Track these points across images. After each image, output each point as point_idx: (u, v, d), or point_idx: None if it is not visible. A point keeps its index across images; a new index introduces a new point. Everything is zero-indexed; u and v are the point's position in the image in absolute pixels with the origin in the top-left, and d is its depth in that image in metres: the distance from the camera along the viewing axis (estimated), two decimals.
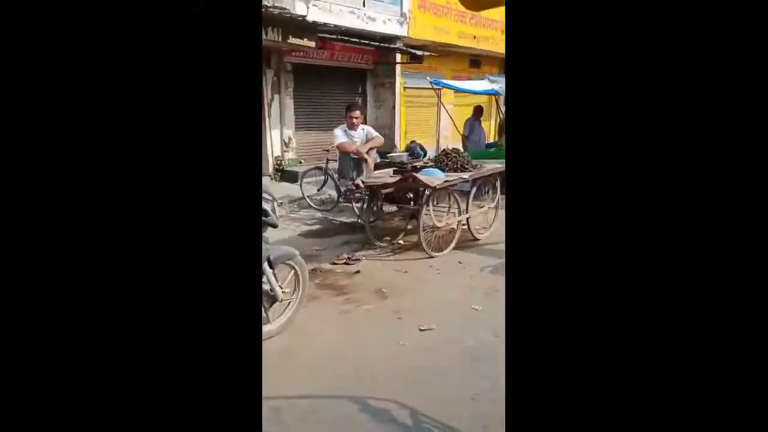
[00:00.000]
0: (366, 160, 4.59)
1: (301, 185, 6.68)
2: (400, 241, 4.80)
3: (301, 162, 8.43)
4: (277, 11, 6.46)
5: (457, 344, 2.75)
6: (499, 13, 11.60)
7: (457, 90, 7.45)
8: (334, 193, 6.44)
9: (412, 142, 10.66)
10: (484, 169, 4.76)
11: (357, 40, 8.15)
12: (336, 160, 5.88)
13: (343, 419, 2.11)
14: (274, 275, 2.72)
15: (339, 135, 4.95)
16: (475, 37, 11.02)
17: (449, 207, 4.77)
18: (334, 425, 2.08)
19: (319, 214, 6.25)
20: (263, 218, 2.47)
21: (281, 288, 2.78)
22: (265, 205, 2.48)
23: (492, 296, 3.47)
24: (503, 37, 12.28)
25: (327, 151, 6.73)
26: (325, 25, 7.37)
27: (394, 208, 4.70)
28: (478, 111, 7.55)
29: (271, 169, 8.02)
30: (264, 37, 6.40)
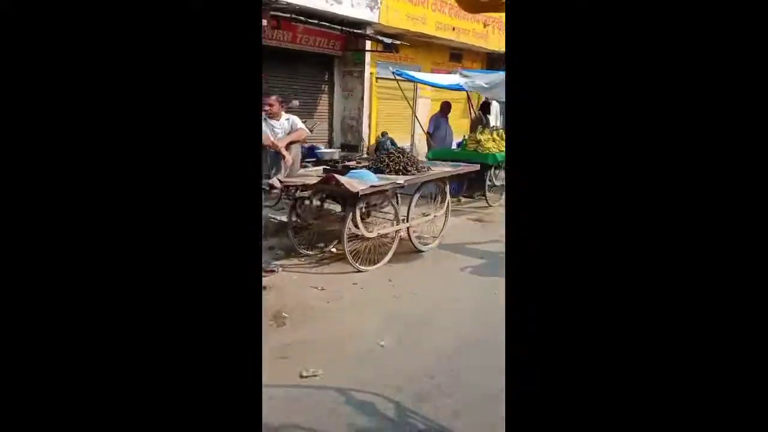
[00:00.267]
0: (284, 156, 3.96)
1: None
2: (333, 250, 4.18)
3: None
4: None
5: (336, 402, 2.13)
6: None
7: (420, 82, 6.83)
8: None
9: (382, 134, 10.05)
10: (429, 173, 4.14)
11: (317, 21, 7.44)
12: None
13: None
14: None
15: None
16: (454, 28, 10.36)
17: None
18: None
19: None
20: None
21: None
22: None
23: (411, 330, 2.87)
24: (485, 30, 11.68)
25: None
26: (278, 1, 6.66)
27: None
28: (445, 107, 6.93)
29: None
30: None
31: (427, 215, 4.33)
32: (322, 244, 4.23)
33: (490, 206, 6.36)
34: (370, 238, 3.67)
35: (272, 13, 6.51)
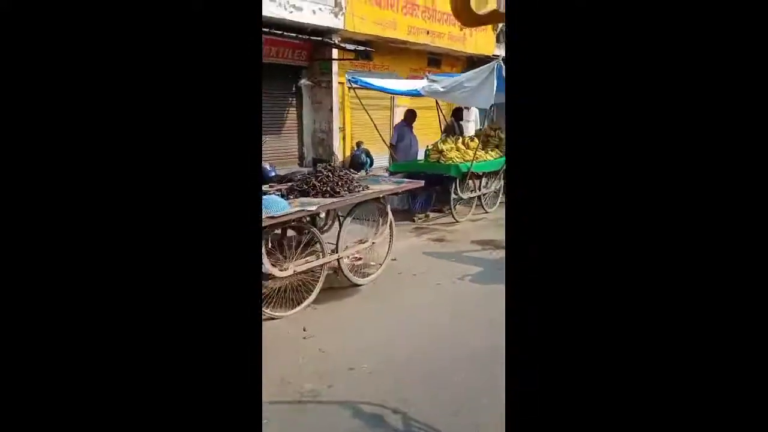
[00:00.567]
0: None
1: None
2: None
3: None
4: None
5: None
6: None
7: (376, 89, 6.26)
8: None
9: (357, 145, 9.44)
10: (362, 193, 3.54)
11: (278, 31, 6.90)
12: None
13: None
14: None
15: None
16: (428, 32, 9.80)
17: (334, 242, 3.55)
18: None
19: None
20: None
21: None
22: None
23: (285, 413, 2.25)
24: (461, 33, 11.10)
25: None
26: None
27: None
28: (410, 115, 6.33)
29: None
30: None
31: (365, 242, 3.72)
32: None
33: (458, 222, 5.74)
34: (277, 277, 3.05)
35: None
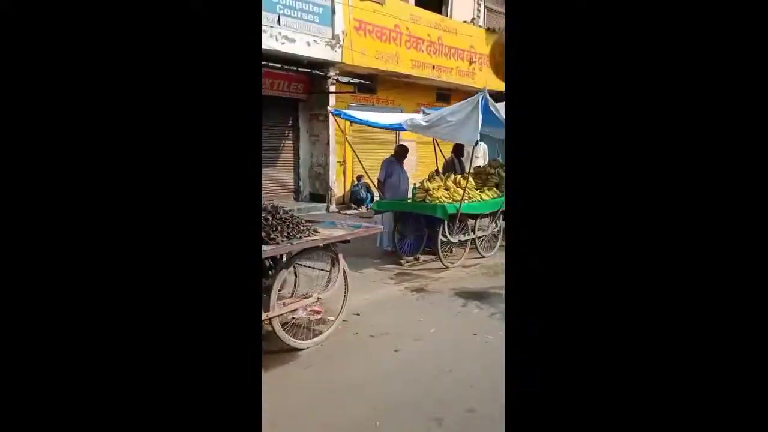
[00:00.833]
0: None
1: None
2: None
3: None
4: None
5: None
6: (465, 42, 10.01)
7: (360, 123, 5.77)
8: None
9: (357, 178, 8.94)
10: (301, 241, 2.94)
11: (273, 64, 6.58)
12: None
13: None
14: None
15: None
16: (434, 67, 9.40)
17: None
18: None
19: None
20: None
21: None
22: None
23: None
24: (470, 68, 10.68)
25: None
26: None
27: None
28: (400, 151, 5.78)
29: None
30: None
31: (309, 297, 3.10)
32: None
33: (447, 268, 5.06)
34: None
35: None
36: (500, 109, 4.92)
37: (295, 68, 7.11)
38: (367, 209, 5.91)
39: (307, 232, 3.03)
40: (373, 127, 6.11)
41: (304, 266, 3.30)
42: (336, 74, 7.86)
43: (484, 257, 5.56)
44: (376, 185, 5.87)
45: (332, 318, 3.35)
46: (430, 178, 5.08)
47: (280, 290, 2.93)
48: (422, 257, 5.42)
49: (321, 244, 3.02)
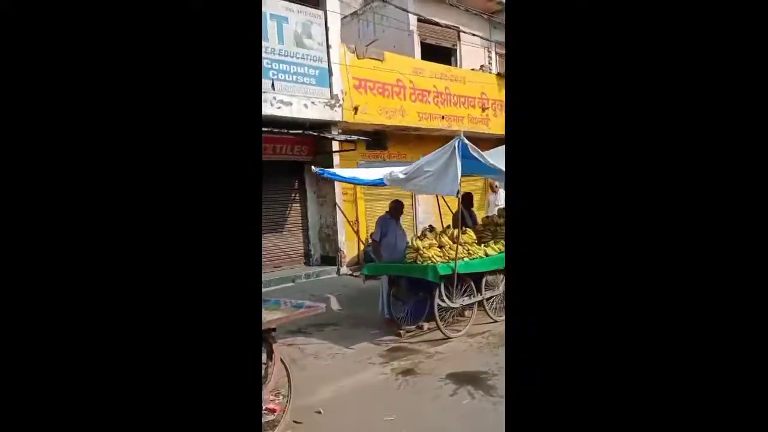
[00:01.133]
0: None
1: None
2: None
3: None
4: None
5: None
6: (475, 89, 9.64)
7: (342, 180, 5.34)
8: None
9: (371, 237, 8.44)
10: None
11: (275, 129, 6.42)
12: None
13: None
14: None
15: None
16: (443, 117, 9.02)
17: None
18: None
19: None
20: None
21: None
22: None
23: None
24: (484, 114, 10.22)
25: None
26: None
27: None
28: (396, 207, 5.26)
29: None
30: None
31: None
32: None
33: (448, 339, 4.33)
34: None
35: None
36: (490, 153, 4.39)
37: (301, 131, 6.92)
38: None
39: None
40: (357, 184, 5.68)
41: None
42: (339, 133, 7.62)
43: (496, 321, 4.79)
44: (372, 246, 5.33)
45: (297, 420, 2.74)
46: (422, 235, 4.49)
47: None
48: (426, 325, 4.73)
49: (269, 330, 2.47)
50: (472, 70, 10.01)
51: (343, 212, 5.76)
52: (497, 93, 9.91)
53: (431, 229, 4.71)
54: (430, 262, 4.26)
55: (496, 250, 4.92)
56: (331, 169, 5.18)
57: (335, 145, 7.75)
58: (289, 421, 2.70)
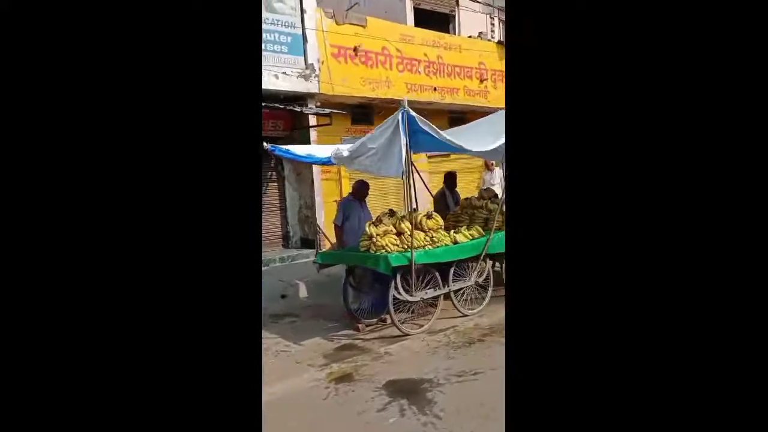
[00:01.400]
0: None
1: None
2: None
3: None
4: None
5: None
6: (472, 59, 8.90)
7: (292, 158, 4.82)
8: None
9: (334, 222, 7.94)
10: None
11: None
12: None
13: None
14: None
15: None
16: (435, 89, 8.35)
17: None
18: None
19: None
20: None
21: None
22: None
23: None
24: (482, 86, 9.47)
25: None
26: None
27: None
28: (359, 188, 4.73)
29: None
30: None
31: None
32: None
33: (406, 336, 3.86)
34: None
35: None
36: (479, 123, 3.80)
37: (276, 105, 6.40)
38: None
39: None
40: (311, 163, 5.16)
41: None
42: (317, 106, 7.06)
43: (466, 315, 4.28)
44: (334, 231, 4.84)
45: None
46: (377, 221, 3.96)
47: None
48: (390, 318, 4.26)
49: None
50: (470, 37, 9.23)
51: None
52: (497, 63, 9.15)
53: (391, 213, 4.18)
54: (383, 251, 3.75)
55: (467, 236, 4.37)
56: (287, 146, 4.66)
57: (312, 120, 7.20)
58: None
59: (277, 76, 6.51)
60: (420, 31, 8.31)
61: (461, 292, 4.35)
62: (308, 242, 7.63)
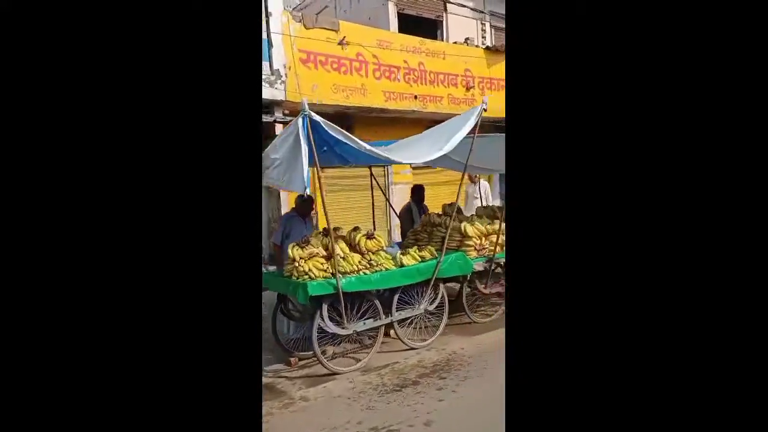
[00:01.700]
0: None
1: None
2: None
3: None
4: None
5: None
6: (457, 66, 8.41)
7: None
8: None
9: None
10: None
11: None
12: None
13: None
14: None
15: None
16: (416, 97, 7.87)
17: None
18: None
19: None
20: None
21: None
22: None
23: None
24: (468, 94, 8.92)
25: None
26: None
27: None
28: (302, 203, 4.25)
29: None
30: None
31: None
32: None
33: (333, 375, 3.33)
34: None
35: None
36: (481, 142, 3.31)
37: None
38: None
39: None
40: None
41: None
42: (284, 114, 6.64)
43: (412, 349, 3.74)
44: (274, 250, 4.36)
45: None
46: (303, 242, 3.46)
47: None
48: (332, 349, 3.74)
49: None
50: (454, 43, 8.76)
51: None
52: (485, 69, 8.65)
53: (325, 232, 3.68)
54: (306, 277, 3.25)
55: (417, 258, 3.84)
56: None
57: (279, 129, 6.77)
58: None
59: None
60: (400, 36, 7.87)
61: (407, 322, 3.82)
62: (272, 259, 7.19)
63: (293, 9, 7.15)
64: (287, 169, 2.91)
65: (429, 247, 4.03)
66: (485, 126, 8.68)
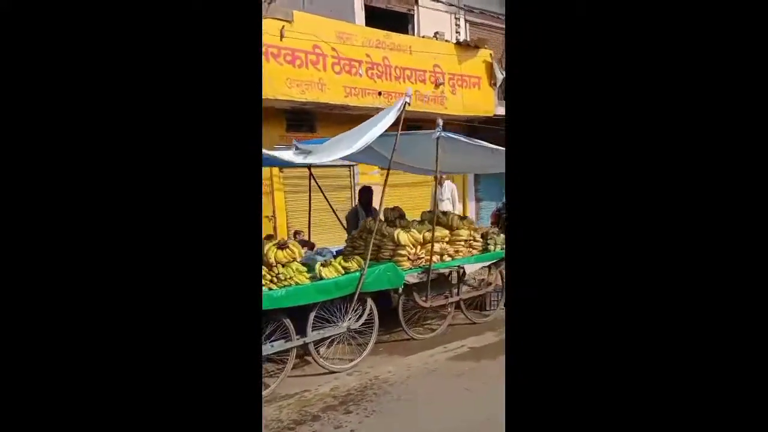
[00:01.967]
0: None
1: None
2: None
3: None
4: None
5: None
6: (425, 61, 7.97)
7: None
8: None
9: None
10: None
11: None
12: None
13: None
14: None
15: None
16: (380, 93, 7.42)
17: None
18: None
19: None
20: None
21: None
22: None
23: None
24: (438, 92, 8.48)
25: None
26: None
27: None
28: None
29: None
30: None
31: None
32: None
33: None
34: None
35: None
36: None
37: None
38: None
39: None
40: None
41: None
42: None
43: (332, 372, 3.31)
44: None
45: None
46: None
47: None
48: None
49: None
50: (422, 37, 8.32)
51: None
52: (456, 65, 8.21)
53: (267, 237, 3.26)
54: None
55: (339, 271, 3.41)
56: None
57: None
58: None
59: None
60: (362, 29, 7.43)
61: (324, 343, 3.39)
62: None
63: None
64: None
65: (356, 257, 3.60)
66: (453, 124, 8.14)
